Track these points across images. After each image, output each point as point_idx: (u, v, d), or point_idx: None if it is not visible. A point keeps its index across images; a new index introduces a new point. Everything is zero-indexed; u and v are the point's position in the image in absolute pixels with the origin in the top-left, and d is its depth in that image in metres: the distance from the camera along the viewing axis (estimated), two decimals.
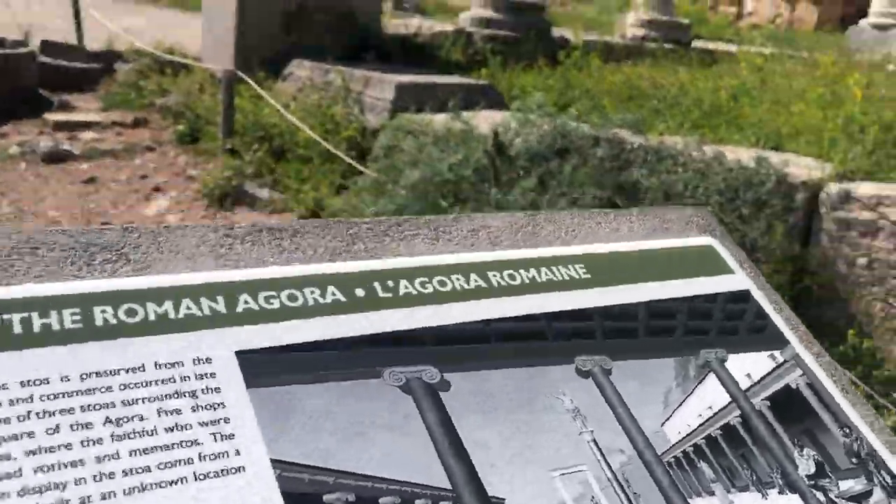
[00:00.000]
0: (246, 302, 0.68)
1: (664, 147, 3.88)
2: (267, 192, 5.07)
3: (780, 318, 0.91)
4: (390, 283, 0.75)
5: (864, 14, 17.43)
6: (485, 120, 4.41)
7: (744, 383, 0.83)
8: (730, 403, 0.81)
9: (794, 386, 0.84)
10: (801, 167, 3.61)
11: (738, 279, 0.93)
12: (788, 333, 0.89)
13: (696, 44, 9.73)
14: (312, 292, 0.71)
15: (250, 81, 5.73)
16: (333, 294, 0.72)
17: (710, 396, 0.80)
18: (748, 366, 0.84)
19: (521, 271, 0.82)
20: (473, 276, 0.79)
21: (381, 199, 3.92)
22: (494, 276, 0.80)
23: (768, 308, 0.91)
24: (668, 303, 0.86)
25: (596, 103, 5.54)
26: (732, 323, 0.88)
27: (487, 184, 3.89)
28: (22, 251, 0.67)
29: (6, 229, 0.68)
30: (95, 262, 0.69)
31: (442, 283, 0.77)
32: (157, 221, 4.71)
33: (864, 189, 3.35)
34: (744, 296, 0.91)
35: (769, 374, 0.84)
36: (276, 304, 0.69)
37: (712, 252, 0.96)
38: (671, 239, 0.95)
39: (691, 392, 0.79)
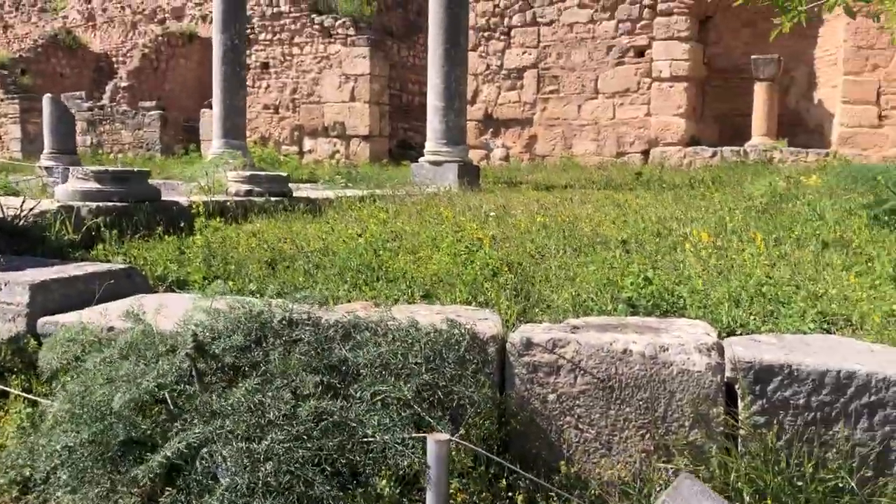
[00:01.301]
0: None
1: (360, 320, 4.06)
2: None
3: None
4: None
5: (407, 146, 20.23)
6: (161, 314, 4.12)
7: None
8: None
9: None
10: (486, 322, 4.08)
11: None
12: None
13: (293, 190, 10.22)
14: None
15: None
16: None
17: None
18: None
19: None
20: None
21: (71, 432, 3.39)
22: None
23: None
24: None
25: (248, 274, 5.53)
26: None
27: (194, 389, 3.64)
28: None
29: None
30: None
31: None
32: None
33: (540, 336, 3.90)
34: None
35: None
36: None
37: None
38: None
39: None
